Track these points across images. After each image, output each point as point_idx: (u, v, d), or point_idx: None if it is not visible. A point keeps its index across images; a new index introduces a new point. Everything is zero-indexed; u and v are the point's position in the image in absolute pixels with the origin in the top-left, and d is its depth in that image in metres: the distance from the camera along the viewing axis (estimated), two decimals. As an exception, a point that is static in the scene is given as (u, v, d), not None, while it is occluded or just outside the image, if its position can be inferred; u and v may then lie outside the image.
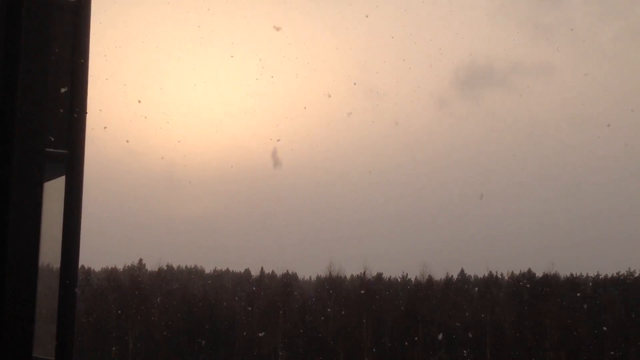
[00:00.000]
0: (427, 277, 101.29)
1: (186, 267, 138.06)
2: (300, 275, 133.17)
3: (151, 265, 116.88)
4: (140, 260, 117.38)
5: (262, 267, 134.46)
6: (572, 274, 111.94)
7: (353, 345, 45.69)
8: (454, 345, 50.77)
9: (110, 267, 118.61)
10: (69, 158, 4.89)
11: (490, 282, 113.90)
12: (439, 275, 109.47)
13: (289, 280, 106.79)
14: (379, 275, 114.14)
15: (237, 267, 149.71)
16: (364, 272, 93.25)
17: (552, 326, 41.31)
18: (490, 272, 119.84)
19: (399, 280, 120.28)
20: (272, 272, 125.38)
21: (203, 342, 45.32)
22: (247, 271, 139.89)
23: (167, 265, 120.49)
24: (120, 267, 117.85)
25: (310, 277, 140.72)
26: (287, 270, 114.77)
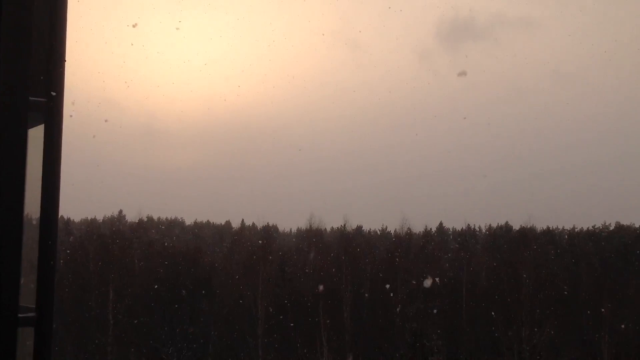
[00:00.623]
0: (406, 229, 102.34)
1: (167, 218, 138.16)
2: (280, 228, 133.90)
3: (131, 217, 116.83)
4: (120, 211, 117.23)
5: (242, 219, 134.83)
6: (548, 227, 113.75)
7: (332, 296, 46.30)
8: (431, 297, 51.60)
9: (89, 218, 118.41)
10: (48, 106, 4.80)
11: (468, 235, 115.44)
12: (418, 228, 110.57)
13: (269, 232, 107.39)
14: (359, 228, 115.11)
15: (218, 219, 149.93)
16: (344, 225, 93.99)
17: (528, 278, 42.07)
18: (469, 225, 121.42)
19: (379, 232, 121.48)
20: (253, 224, 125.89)
21: (184, 291, 45.70)
22: (228, 223, 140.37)
23: (148, 217, 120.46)
24: (99, 218, 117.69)
25: (290, 230, 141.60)
26: (268, 223, 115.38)
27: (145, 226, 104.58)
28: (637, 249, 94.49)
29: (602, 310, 46.87)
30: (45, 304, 4.37)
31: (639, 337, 47.05)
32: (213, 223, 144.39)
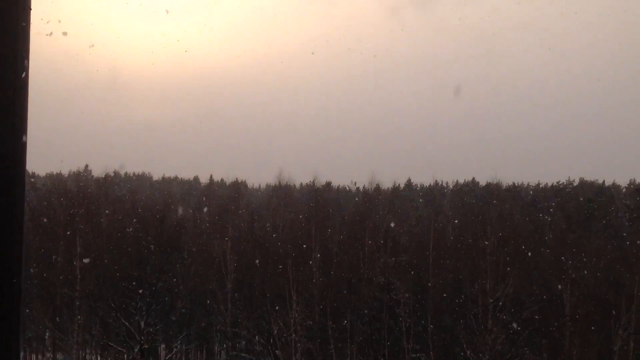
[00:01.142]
0: (375, 185, 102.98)
1: (134, 173, 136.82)
2: (249, 184, 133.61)
3: (97, 172, 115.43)
4: (86, 166, 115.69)
5: (211, 175, 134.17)
6: (514, 183, 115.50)
7: (301, 251, 46.64)
8: (399, 251, 52.30)
9: (55, 173, 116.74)
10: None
11: (436, 191, 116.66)
12: (386, 184, 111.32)
13: (238, 188, 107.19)
14: (328, 184, 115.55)
15: (186, 175, 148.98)
16: (314, 181, 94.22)
17: (493, 233, 42.79)
18: (436, 181, 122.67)
19: (348, 188, 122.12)
20: (222, 179, 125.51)
21: (152, 246, 45.63)
22: (196, 178, 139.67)
23: (114, 172, 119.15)
24: (65, 172, 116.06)
25: (259, 186, 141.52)
26: (237, 178, 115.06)
27: (112, 181, 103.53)
28: (599, 203, 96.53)
29: (565, 263, 48.00)
30: (12, 255, 4.25)
31: (599, 289, 48.40)
32: (181, 178, 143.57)
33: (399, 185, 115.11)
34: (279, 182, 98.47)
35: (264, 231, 70.03)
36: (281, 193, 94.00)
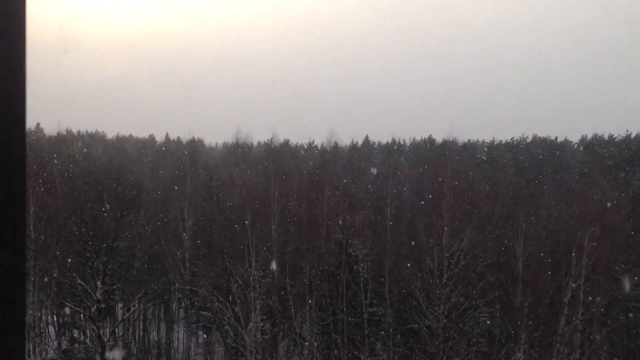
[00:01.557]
0: (333, 143, 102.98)
1: (87, 132, 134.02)
2: (206, 142, 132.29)
3: (49, 130, 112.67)
4: (38, 124, 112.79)
5: (167, 133, 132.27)
6: (469, 140, 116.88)
7: (259, 209, 46.58)
8: (357, 208, 52.70)
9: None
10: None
11: (393, 148, 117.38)
12: (344, 142, 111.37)
13: (195, 146, 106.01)
14: (286, 142, 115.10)
15: (141, 133, 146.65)
16: (272, 139, 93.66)
17: (449, 189, 43.31)
18: (394, 138, 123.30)
19: (306, 146, 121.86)
20: (178, 138, 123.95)
21: (108, 206, 45.01)
22: (152, 137, 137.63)
23: (67, 130, 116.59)
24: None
25: (217, 144, 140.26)
26: (194, 137, 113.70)
27: (65, 140, 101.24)
28: (552, 159, 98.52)
29: (518, 217, 49.02)
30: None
31: (550, 242, 49.66)
32: (136, 137, 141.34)
33: (357, 142, 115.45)
34: (237, 140, 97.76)
35: (221, 189, 69.69)
36: (239, 151, 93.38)
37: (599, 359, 44.39)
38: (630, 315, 44.95)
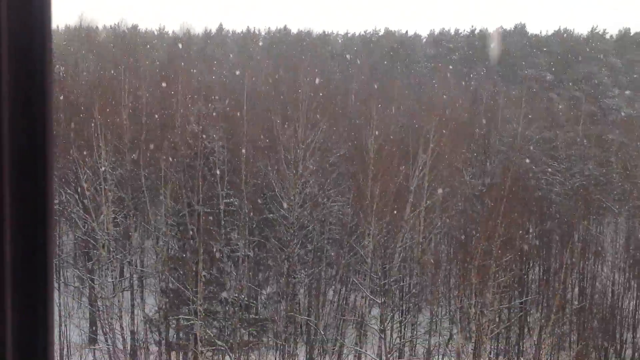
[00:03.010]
0: (185, 30, 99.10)
1: None
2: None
3: None
4: None
5: None
6: (324, 31, 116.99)
7: (108, 97, 44.41)
8: (212, 99, 51.69)
9: None
10: None
11: (249, 38, 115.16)
12: (197, 29, 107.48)
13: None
14: (135, 27, 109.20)
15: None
16: (119, 23, 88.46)
17: (305, 80, 43.50)
18: (248, 27, 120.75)
19: (156, 33, 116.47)
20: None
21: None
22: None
23: None
24: None
25: (57, 27, 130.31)
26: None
27: None
28: (403, 52, 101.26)
29: (370, 109, 50.49)
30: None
31: (399, 133, 51.86)
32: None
33: (210, 30, 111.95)
34: (80, 22, 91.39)
35: (65, 75, 65.57)
36: (83, 35, 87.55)
37: (439, 243, 48.01)
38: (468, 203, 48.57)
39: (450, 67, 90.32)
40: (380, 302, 32.95)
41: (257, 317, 39.87)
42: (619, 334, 36.81)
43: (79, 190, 39.71)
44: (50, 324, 1.69)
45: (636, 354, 35.66)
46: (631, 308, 45.92)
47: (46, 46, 1.60)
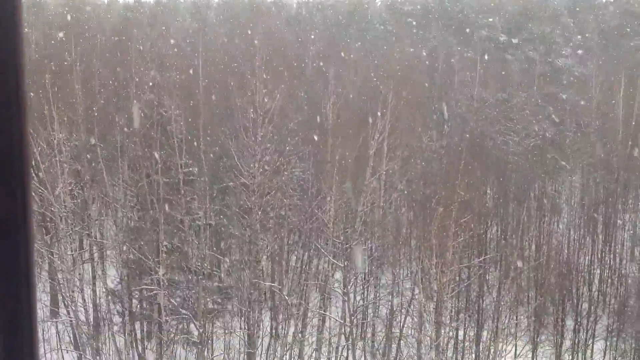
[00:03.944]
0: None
1: None
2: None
3: None
4: None
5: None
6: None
7: (58, 67, 43.32)
8: (167, 67, 50.87)
9: None
10: None
11: (201, 4, 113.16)
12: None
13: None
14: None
15: None
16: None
17: (261, 47, 43.04)
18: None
19: (106, 1, 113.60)
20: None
21: None
22: None
23: None
24: None
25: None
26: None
27: None
28: (358, 17, 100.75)
29: (327, 75, 50.33)
30: None
31: (357, 99, 51.89)
32: None
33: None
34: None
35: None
36: (31, 3, 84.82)
37: (400, 206, 48.51)
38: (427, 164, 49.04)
39: (406, 30, 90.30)
40: (342, 265, 33.25)
41: (220, 285, 39.92)
42: (575, 288, 37.90)
43: (33, 163, 38.87)
44: (34, 322, 1.65)
45: (592, 307, 36.82)
46: (586, 263, 47.28)
47: (18, 48, 1.53)
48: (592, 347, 37.98)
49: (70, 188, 37.13)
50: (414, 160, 48.55)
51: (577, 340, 35.65)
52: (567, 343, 35.12)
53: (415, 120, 51.82)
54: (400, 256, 42.49)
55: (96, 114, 43.82)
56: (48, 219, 37.79)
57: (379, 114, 41.64)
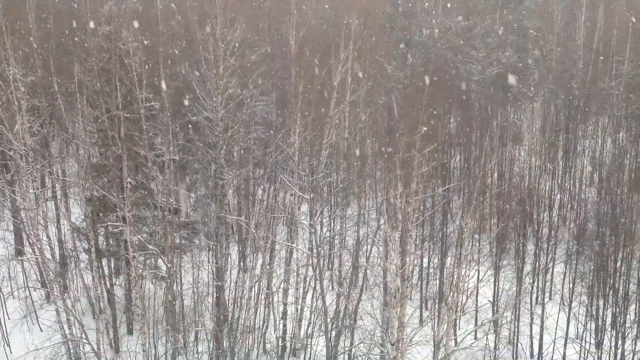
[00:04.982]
0: None
1: None
2: None
3: None
4: None
5: None
6: None
7: (12, 5, 41.71)
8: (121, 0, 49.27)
9: None
10: None
11: None
12: None
13: None
14: None
15: None
16: None
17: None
18: None
19: None
20: None
21: None
22: None
23: None
24: None
25: None
26: None
27: None
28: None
29: (290, 4, 49.34)
30: None
31: (321, 27, 51.09)
32: None
33: None
34: None
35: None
36: None
37: (364, 137, 48.59)
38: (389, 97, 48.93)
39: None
40: (309, 198, 33.40)
41: (187, 220, 39.94)
42: (536, 214, 38.81)
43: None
44: None
45: (552, 232, 37.79)
46: (547, 189, 48.33)
47: None
48: (552, 270, 39.25)
49: (29, 125, 36.26)
50: (377, 90, 48.41)
51: (537, 264, 36.75)
52: (528, 267, 36.16)
53: (379, 50, 51.38)
54: (365, 187, 42.84)
55: (53, 47, 42.51)
56: (7, 157, 37.06)
57: (342, 44, 41.15)
